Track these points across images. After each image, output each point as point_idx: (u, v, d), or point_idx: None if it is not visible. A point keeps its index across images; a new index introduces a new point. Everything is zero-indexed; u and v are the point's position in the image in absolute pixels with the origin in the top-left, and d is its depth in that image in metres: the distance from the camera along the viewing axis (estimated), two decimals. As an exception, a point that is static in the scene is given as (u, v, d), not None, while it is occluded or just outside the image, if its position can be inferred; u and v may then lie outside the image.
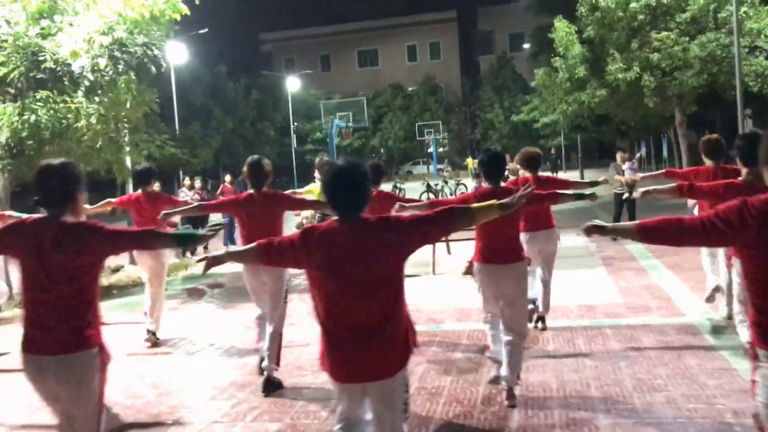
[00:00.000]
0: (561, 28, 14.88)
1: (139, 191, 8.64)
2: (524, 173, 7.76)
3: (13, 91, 11.68)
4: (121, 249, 3.82)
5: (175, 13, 11.59)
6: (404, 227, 3.26)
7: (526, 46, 51.53)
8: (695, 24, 13.04)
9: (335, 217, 3.30)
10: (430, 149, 54.35)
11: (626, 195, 14.29)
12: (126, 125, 12.30)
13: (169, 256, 10.10)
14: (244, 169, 6.40)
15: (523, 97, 53.89)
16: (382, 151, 56.42)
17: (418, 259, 11.98)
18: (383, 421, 3.30)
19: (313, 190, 8.93)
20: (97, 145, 11.56)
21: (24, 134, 11.25)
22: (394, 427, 3.33)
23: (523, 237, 7.33)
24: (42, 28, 11.46)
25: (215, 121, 43.40)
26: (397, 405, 3.32)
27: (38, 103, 11.24)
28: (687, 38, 13.04)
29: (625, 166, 14.55)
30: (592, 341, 6.92)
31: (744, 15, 12.77)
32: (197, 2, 11.91)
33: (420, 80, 57.77)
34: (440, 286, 10.73)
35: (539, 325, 7.49)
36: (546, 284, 7.48)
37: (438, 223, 3.36)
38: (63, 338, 3.38)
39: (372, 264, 3.19)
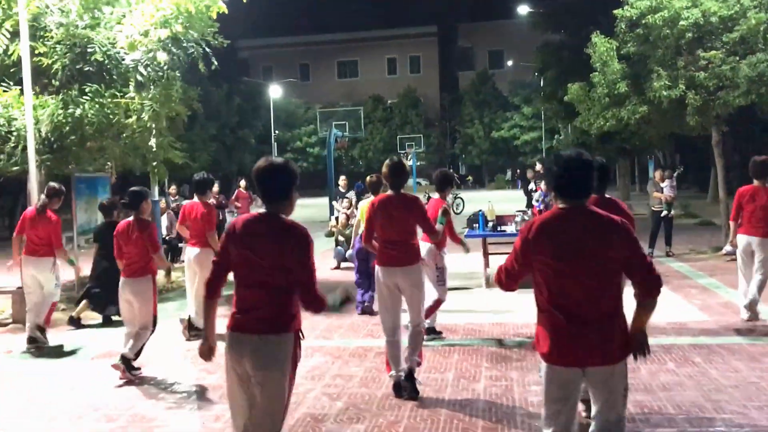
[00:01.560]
0: (601, 43, 14.85)
1: (196, 199, 8.63)
2: None
3: (56, 83, 11.09)
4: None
5: (214, 8, 11.08)
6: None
7: (509, 63, 52.18)
8: (743, 44, 13.12)
9: (561, 206, 3.47)
10: (410, 162, 54.35)
11: (665, 212, 14.27)
12: (170, 123, 11.77)
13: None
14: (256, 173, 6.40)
15: (504, 113, 54.33)
16: (360, 162, 56.15)
17: (459, 272, 11.73)
18: (606, 407, 3.43)
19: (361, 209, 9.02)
20: (150, 143, 11.04)
21: (66, 129, 10.67)
22: (617, 412, 3.44)
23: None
24: (93, 18, 10.92)
25: (198, 125, 42.62)
26: (620, 391, 3.44)
27: (84, 97, 10.68)
28: (736, 57, 13.09)
29: (665, 184, 14.47)
30: (712, 359, 6.76)
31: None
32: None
33: (401, 93, 57.74)
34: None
35: None
36: None
37: None
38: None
39: (601, 251, 3.35)
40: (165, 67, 10.87)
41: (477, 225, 11.93)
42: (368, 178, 8.74)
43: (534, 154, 51.62)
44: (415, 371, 5.97)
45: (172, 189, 17.39)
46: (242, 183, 19.63)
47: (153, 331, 6.98)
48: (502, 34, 59.95)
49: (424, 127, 55.36)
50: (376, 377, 6.50)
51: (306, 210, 30.94)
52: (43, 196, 8.37)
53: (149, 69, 10.80)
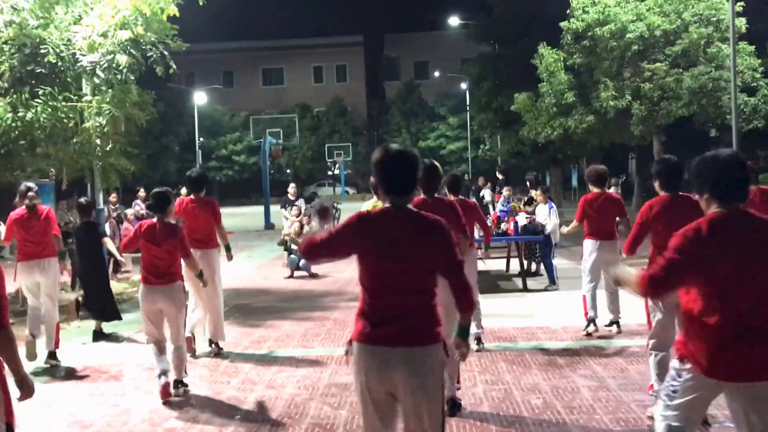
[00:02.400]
0: (549, 55, 15.20)
1: (191, 196, 8.08)
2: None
3: (5, 85, 10.55)
4: None
5: (167, 10, 10.80)
6: None
7: (436, 74, 52.84)
8: (685, 57, 13.69)
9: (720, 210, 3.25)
10: (338, 171, 54.29)
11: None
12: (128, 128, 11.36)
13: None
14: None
15: (430, 123, 54.99)
16: (288, 171, 55.65)
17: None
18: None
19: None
20: (108, 148, 10.62)
21: (15, 133, 10.17)
22: None
23: (591, 245, 7.80)
24: (45, 18, 10.45)
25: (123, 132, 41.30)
26: None
27: (36, 100, 10.20)
28: (679, 70, 13.65)
29: (611, 191, 14.94)
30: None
31: (717, 51, 13.58)
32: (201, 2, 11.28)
33: (328, 102, 57.62)
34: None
35: (613, 329, 7.91)
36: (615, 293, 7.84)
37: None
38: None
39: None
40: (124, 70, 10.49)
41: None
42: (373, 178, 8.59)
43: (459, 163, 52.40)
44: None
45: (113, 197, 16.69)
46: (183, 191, 19.10)
47: None
48: (427, 46, 60.74)
49: (352, 136, 55.37)
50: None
51: (237, 219, 30.44)
52: (31, 194, 7.74)
53: (106, 71, 10.40)
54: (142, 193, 16.83)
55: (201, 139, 49.97)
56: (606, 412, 5.52)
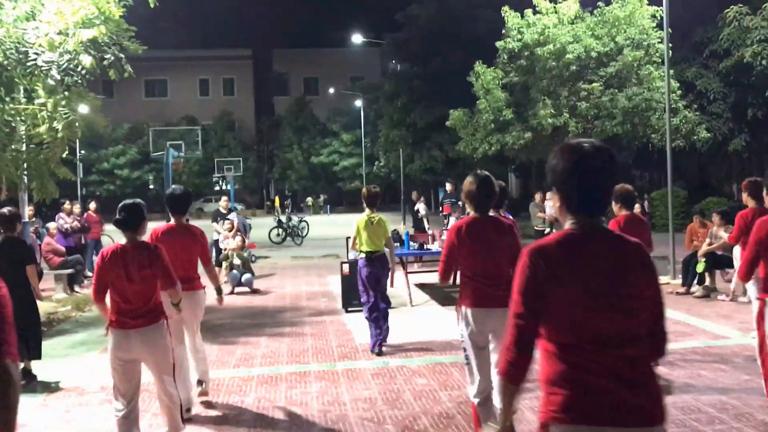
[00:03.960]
0: (487, 73, 15.56)
1: (173, 222, 6.13)
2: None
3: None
4: None
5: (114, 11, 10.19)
6: None
7: (331, 90, 52.94)
8: (617, 78, 14.41)
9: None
10: (228, 186, 52.98)
11: (547, 230, 15.20)
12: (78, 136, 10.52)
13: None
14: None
15: (323, 140, 54.96)
16: (174, 186, 53.78)
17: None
18: None
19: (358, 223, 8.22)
20: (63, 156, 9.78)
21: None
22: None
23: None
24: (-9, 13, 9.54)
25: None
26: None
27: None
28: (614, 90, 14.35)
29: (548, 204, 15.42)
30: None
31: (648, 73, 14.44)
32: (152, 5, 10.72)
33: (215, 115, 56.34)
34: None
35: None
36: None
37: None
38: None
39: None
40: (83, 72, 9.72)
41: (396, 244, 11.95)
42: (365, 189, 8.20)
43: (353, 179, 52.69)
44: None
45: (30, 209, 15.35)
46: (92, 205, 18.06)
47: None
48: (316, 62, 60.84)
49: (241, 151, 54.37)
50: (397, 397, 6.23)
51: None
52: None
53: (62, 72, 9.59)
54: (67, 205, 15.60)
55: (82, 151, 47.40)
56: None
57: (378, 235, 7.90)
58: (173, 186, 6.98)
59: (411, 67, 26.82)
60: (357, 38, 34.60)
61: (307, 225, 28.76)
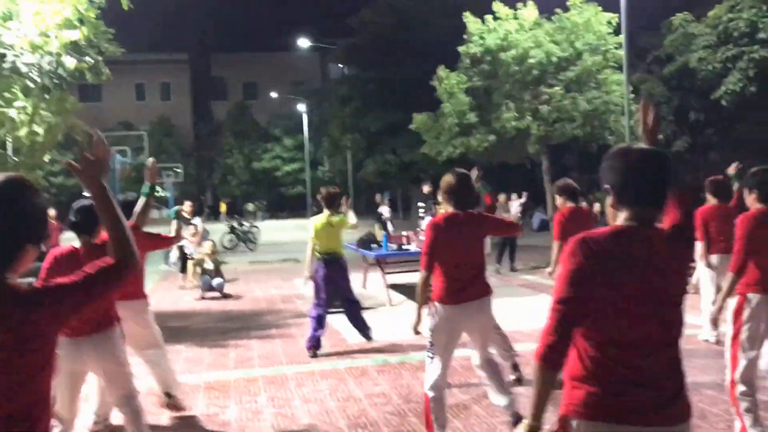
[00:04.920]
0: (452, 77, 15.85)
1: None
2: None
3: None
4: None
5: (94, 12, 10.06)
6: None
7: (273, 95, 52.48)
8: (577, 82, 14.92)
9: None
10: (167, 193, 52.02)
11: (513, 233, 15.56)
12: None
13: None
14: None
15: (264, 145, 54.50)
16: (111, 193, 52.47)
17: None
18: None
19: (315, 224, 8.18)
20: (46, 158, 9.54)
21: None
22: None
23: None
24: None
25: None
26: None
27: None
28: (575, 93, 14.84)
29: (514, 204, 15.80)
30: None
31: (606, 77, 15.03)
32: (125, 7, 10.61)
33: (153, 120, 55.23)
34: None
35: None
36: None
37: None
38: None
39: None
40: (65, 75, 9.51)
41: (373, 245, 12.10)
42: (324, 190, 8.12)
43: (295, 184, 52.40)
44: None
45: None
46: (52, 212, 17.62)
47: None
48: (255, 66, 60.33)
49: (181, 157, 53.41)
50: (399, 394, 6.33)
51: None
52: None
53: (43, 76, 9.37)
54: (52, 212, 15.14)
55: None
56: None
57: (336, 238, 7.89)
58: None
59: (363, 72, 26.97)
60: (303, 42, 34.54)
61: (259, 230, 28.61)
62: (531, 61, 14.77)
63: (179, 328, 10.12)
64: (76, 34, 9.15)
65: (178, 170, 47.31)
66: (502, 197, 16.26)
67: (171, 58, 59.86)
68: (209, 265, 14.15)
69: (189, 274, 15.10)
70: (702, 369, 6.75)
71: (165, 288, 15.20)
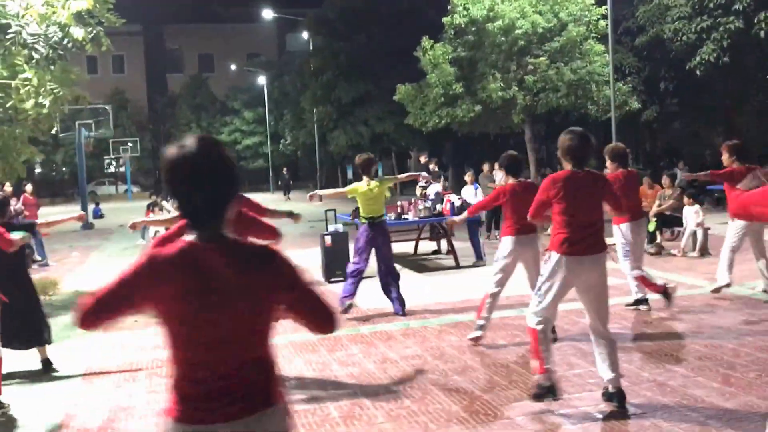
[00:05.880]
0: (438, 48, 15.89)
1: None
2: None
3: None
4: None
5: None
6: None
7: (233, 67, 51.69)
8: (561, 53, 15.14)
9: None
10: (122, 168, 51.11)
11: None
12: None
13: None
14: None
15: (223, 118, 53.71)
16: (64, 169, 51.27)
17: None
18: None
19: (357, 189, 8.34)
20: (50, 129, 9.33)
21: None
22: None
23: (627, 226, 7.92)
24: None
25: None
26: None
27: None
28: (561, 64, 15.05)
29: (498, 175, 16.02)
30: None
31: (591, 48, 15.30)
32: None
33: (107, 94, 53.80)
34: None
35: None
36: None
37: None
38: None
39: None
40: (70, 45, 9.29)
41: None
42: (359, 157, 8.29)
43: (256, 158, 51.81)
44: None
45: (7, 187, 14.63)
46: (29, 188, 17.37)
47: None
48: (210, 38, 59.23)
49: (136, 131, 52.31)
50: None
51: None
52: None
53: (47, 47, 9.13)
54: (8, 187, 14.78)
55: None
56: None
57: (378, 201, 8.04)
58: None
59: (336, 43, 26.75)
60: (267, 14, 34.06)
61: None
62: (518, 31, 14.95)
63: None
64: (83, 4, 8.97)
65: (130, 144, 46.58)
66: (486, 166, 16.47)
67: (124, 30, 58.02)
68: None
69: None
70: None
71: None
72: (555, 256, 4.92)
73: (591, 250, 4.90)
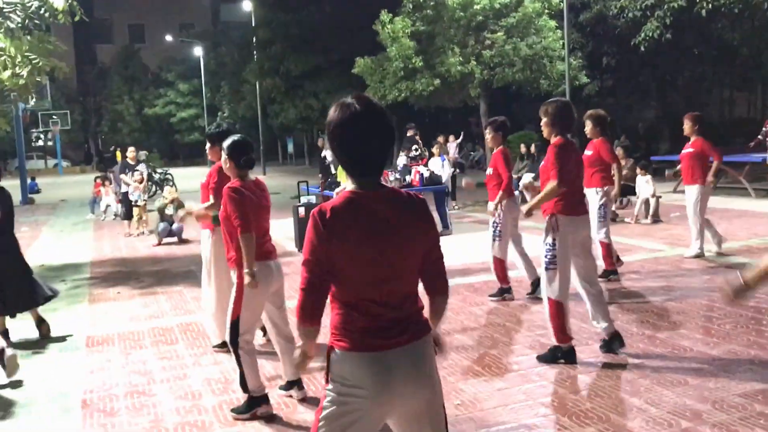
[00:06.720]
0: (397, 21, 16.02)
1: None
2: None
3: None
4: None
5: None
6: None
7: (168, 38, 50.33)
8: (517, 28, 15.51)
9: None
10: (51, 142, 49.52)
11: (456, 171, 16.22)
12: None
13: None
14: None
15: (156, 90, 52.42)
16: (-10, 142, 49.16)
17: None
18: None
19: None
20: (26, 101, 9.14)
21: None
22: None
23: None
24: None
25: None
26: None
27: None
28: (517, 39, 15.44)
29: (452, 146, 16.40)
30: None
31: (545, 24, 15.75)
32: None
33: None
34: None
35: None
36: None
37: None
38: None
39: None
40: (47, 15, 9.10)
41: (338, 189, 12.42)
42: None
43: (191, 131, 50.82)
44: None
45: None
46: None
47: None
48: (141, 8, 57.56)
49: (65, 103, 50.59)
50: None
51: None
52: None
53: (26, 16, 8.95)
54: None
55: None
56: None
57: None
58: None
59: (284, 15, 26.45)
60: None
61: (172, 177, 28.02)
62: (476, 7, 15.27)
63: (158, 272, 10.20)
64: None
65: (59, 117, 45.12)
66: (441, 138, 16.86)
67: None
68: (170, 210, 14.00)
69: (134, 220, 14.90)
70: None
71: (110, 236, 14.93)
72: (563, 218, 5.26)
73: (586, 209, 5.49)
